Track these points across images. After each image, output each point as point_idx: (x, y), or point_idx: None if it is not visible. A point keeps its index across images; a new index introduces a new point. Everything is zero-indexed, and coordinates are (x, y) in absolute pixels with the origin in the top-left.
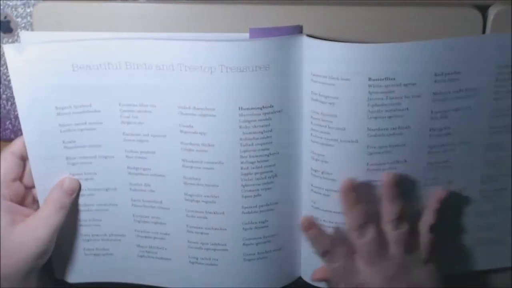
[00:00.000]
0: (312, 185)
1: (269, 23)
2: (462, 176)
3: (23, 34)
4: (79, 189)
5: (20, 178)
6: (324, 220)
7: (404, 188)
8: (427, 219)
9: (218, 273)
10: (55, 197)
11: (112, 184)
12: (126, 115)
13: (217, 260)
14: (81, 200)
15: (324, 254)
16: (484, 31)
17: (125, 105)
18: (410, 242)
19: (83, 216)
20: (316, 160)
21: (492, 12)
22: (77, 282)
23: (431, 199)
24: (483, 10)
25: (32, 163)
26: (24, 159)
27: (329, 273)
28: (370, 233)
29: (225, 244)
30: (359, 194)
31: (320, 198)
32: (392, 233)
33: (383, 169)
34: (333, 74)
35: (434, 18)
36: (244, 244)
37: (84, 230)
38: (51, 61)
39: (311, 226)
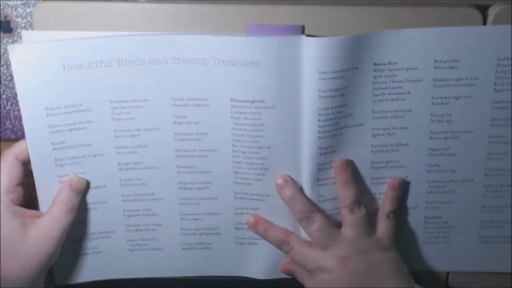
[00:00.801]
0: (318, 179)
1: (270, 23)
2: (466, 166)
3: (25, 34)
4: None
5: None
6: (331, 209)
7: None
8: (384, 207)
9: (212, 257)
10: (65, 198)
11: (101, 181)
12: (117, 111)
13: (210, 244)
14: None
15: (280, 245)
16: None
17: (116, 102)
18: (369, 228)
19: None
20: (324, 154)
21: (492, 12)
22: (65, 284)
23: (387, 187)
24: (483, 10)
25: (32, 163)
26: (25, 162)
27: (292, 264)
28: (317, 222)
29: (218, 228)
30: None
31: (326, 189)
32: (347, 217)
33: (386, 151)
34: (343, 66)
35: (434, 18)
36: (236, 228)
37: (71, 231)
38: (42, 61)
39: (257, 222)
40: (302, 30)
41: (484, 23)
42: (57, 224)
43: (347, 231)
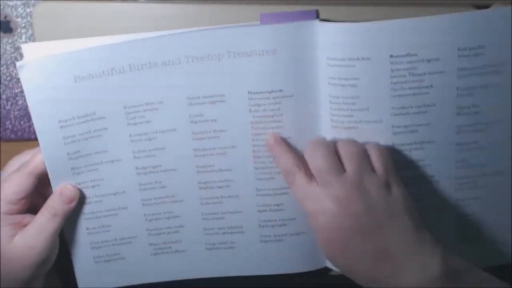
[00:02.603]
0: None
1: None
2: (495, 158)
3: (25, 47)
4: (82, 197)
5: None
6: None
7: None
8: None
9: (236, 256)
10: (51, 204)
11: (120, 187)
12: (131, 116)
13: (234, 243)
14: (88, 208)
15: (287, 174)
16: None
17: (130, 107)
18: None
19: (91, 224)
20: None
21: None
22: None
23: None
24: None
25: (49, 173)
26: (42, 176)
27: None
28: (321, 153)
29: (241, 227)
30: None
31: None
32: (344, 149)
33: (410, 149)
34: (353, 55)
35: None
36: (259, 226)
37: (93, 238)
38: (52, 75)
39: (278, 143)
40: (317, 15)
41: None
42: (39, 231)
43: (346, 165)
